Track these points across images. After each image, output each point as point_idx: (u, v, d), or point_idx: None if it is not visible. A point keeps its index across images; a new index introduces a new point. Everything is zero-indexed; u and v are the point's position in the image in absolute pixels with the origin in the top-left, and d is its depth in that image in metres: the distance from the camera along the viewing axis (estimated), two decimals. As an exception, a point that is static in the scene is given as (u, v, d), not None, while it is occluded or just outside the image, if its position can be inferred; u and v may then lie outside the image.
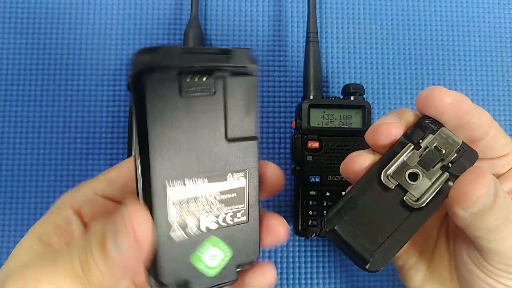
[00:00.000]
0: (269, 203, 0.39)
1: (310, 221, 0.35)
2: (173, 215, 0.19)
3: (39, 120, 0.39)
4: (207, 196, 0.19)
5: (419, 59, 0.41)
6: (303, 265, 0.38)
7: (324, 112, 0.36)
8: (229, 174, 0.20)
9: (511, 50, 0.42)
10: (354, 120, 0.36)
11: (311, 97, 0.36)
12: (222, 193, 0.20)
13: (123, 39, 0.40)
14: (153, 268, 0.19)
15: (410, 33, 0.42)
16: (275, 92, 0.40)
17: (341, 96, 0.37)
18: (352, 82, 0.41)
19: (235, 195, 0.20)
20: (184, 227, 0.19)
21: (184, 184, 0.19)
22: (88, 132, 0.39)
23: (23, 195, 0.38)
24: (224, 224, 0.20)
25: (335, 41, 0.41)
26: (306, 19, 0.38)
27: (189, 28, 0.38)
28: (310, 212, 0.35)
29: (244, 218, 0.20)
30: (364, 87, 0.37)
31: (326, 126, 0.35)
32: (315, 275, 0.38)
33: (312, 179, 0.35)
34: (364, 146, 0.34)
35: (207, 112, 0.19)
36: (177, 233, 0.19)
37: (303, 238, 0.38)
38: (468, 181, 0.21)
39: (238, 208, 0.20)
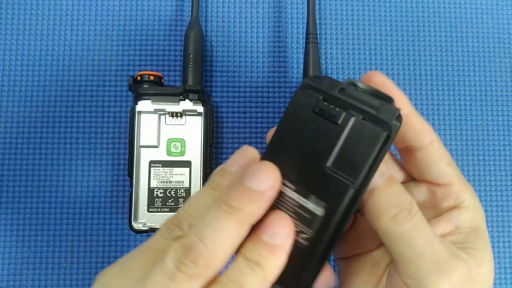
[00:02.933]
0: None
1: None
2: None
3: (41, 121, 0.39)
4: (288, 199, 0.21)
5: (417, 60, 0.42)
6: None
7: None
8: (313, 196, 0.21)
9: (509, 51, 0.42)
10: (353, 120, 0.36)
11: None
12: (299, 207, 0.21)
13: (124, 40, 0.41)
14: None
15: (408, 34, 0.42)
16: (275, 92, 0.41)
17: (340, 97, 0.37)
18: (351, 82, 0.41)
19: (308, 216, 0.21)
20: None
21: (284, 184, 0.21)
22: (89, 133, 0.39)
23: (25, 195, 0.38)
24: None
25: (335, 42, 0.42)
26: (305, 20, 0.39)
27: (189, 29, 0.38)
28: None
29: (305, 242, 0.21)
30: (363, 88, 0.38)
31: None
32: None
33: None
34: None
35: (325, 135, 0.21)
36: None
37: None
38: None
39: (305, 229, 0.21)
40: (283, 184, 0.21)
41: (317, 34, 0.38)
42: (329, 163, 0.20)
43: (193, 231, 0.18)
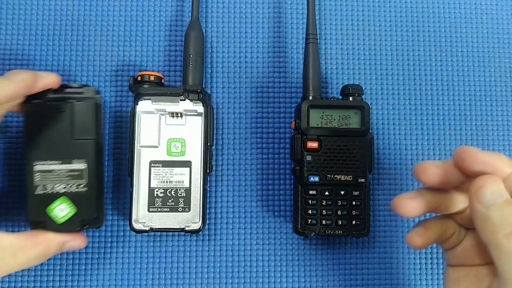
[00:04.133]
0: (268, 202, 0.39)
1: (310, 220, 0.35)
2: (37, 179, 0.32)
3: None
4: (59, 171, 0.33)
5: (417, 59, 0.42)
6: (302, 263, 0.39)
7: (323, 112, 0.36)
8: (74, 160, 0.33)
9: (509, 51, 0.43)
10: (353, 120, 0.36)
11: (311, 97, 0.37)
12: (69, 171, 0.33)
13: (125, 40, 0.41)
14: (25, 210, 0.32)
15: (408, 34, 0.42)
16: (275, 92, 0.41)
17: (340, 97, 0.37)
18: (351, 82, 0.41)
19: (78, 173, 0.33)
20: (44, 187, 0.32)
21: (44, 163, 0.32)
22: (90, 133, 0.39)
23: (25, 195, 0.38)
24: (70, 190, 0.32)
25: (334, 42, 0.42)
26: (305, 20, 0.39)
27: (190, 30, 0.38)
28: (310, 212, 0.35)
29: (84, 189, 0.33)
30: (363, 88, 0.38)
31: (325, 126, 0.36)
32: (314, 273, 0.39)
33: (312, 179, 0.35)
34: (363, 146, 0.35)
35: (61, 122, 0.33)
36: (38, 190, 0.32)
37: (302, 237, 0.39)
38: (483, 178, 0.23)
39: (80, 182, 0.33)
40: (48, 163, 0.32)
41: (317, 34, 0.38)
42: (75, 136, 0.33)
43: None
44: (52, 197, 0.32)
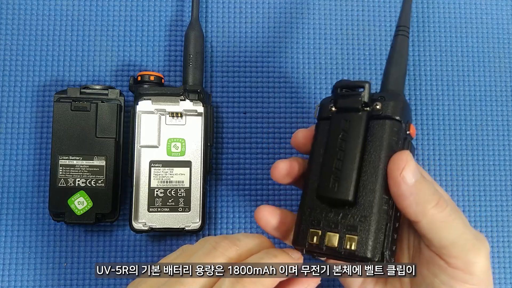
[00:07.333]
0: (269, 202, 0.39)
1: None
2: (60, 173, 0.35)
3: (41, 121, 0.39)
4: (81, 166, 0.35)
5: (417, 60, 0.42)
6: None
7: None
8: (95, 156, 0.35)
9: (509, 51, 0.43)
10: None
11: None
12: (89, 166, 0.35)
13: (125, 41, 0.41)
14: (48, 201, 0.35)
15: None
16: (275, 92, 0.41)
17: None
18: (351, 82, 0.41)
19: (98, 169, 0.35)
20: (66, 181, 0.35)
21: (68, 158, 0.35)
22: (90, 133, 0.39)
23: (25, 195, 0.38)
24: (90, 185, 0.35)
25: (334, 42, 0.42)
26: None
27: (190, 30, 0.38)
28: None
29: (102, 185, 0.35)
30: (363, 88, 0.38)
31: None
32: (314, 274, 0.39)
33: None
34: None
35: (86, 120, 0.36)
36: (60, 183, 0.35)
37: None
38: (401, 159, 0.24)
39: (99, 177, 0.35)
40: (73, 159, 0.35)
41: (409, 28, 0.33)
42: (98, 134, 0.36)
43: None
44: (73, 190, 0.35)
